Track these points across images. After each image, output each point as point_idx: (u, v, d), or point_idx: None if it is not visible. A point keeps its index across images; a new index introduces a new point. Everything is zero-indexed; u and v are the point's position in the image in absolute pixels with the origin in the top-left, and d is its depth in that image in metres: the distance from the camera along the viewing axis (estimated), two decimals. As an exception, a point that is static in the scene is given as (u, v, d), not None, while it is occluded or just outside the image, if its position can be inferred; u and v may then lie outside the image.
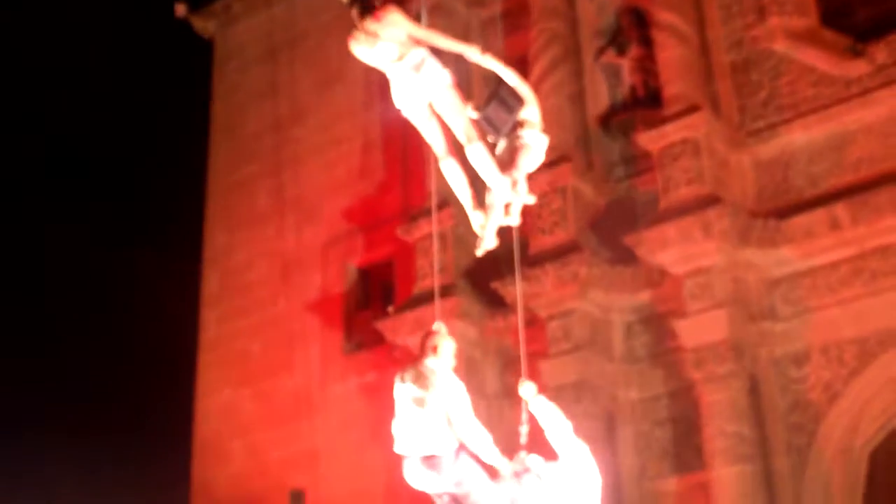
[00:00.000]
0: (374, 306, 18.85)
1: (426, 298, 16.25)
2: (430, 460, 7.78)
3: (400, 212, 18.26)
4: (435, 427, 7.82)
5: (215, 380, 20.07)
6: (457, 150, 8.09)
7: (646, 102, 16.64)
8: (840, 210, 14.41)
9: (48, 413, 21.91)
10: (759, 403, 14.34)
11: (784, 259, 14.75)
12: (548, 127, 16.20)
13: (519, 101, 8.15)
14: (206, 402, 20.00)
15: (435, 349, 8.16)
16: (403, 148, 18.92)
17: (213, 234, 21.61)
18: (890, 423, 14.20)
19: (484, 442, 7.90)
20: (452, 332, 15.78)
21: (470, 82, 8.36)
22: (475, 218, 8.24)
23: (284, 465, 18.20)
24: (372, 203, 19.37)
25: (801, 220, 14.63)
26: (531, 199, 8.28)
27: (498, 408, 15.96)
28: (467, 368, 16.18)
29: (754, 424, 14.11)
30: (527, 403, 8.02)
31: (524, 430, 7.83)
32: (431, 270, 16.39)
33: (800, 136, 15.36)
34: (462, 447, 7.79)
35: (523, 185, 8.13)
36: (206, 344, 20.54)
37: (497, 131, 8.01)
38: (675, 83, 15.80)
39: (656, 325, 15.39)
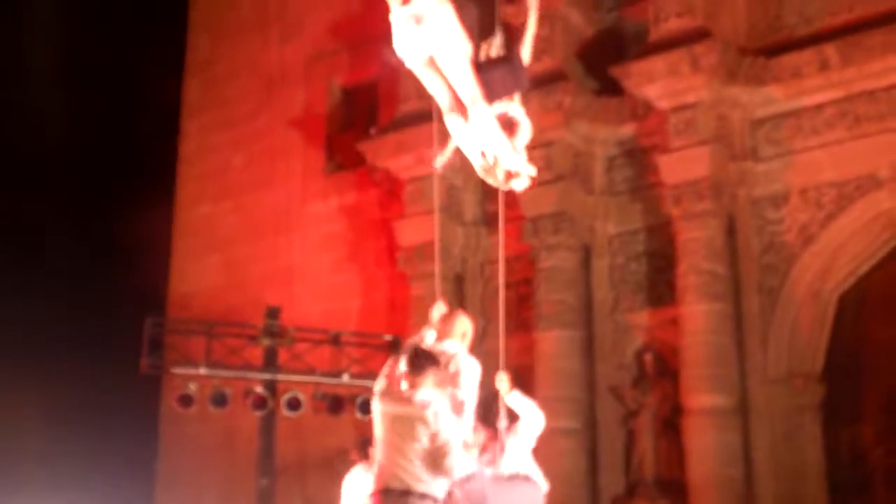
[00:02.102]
0: (356, 127, 18.68)
1: (409, 121, 16.15)
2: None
3: (388, 31, 17.89)
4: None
5: (195, 193, 20.04)
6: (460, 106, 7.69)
7: (641, -74, 16.18)
8: (830, 50, 14.22)
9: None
10: (735, 243, 14.43)
11: (770, 98, 14.63)
12: (540, -51, 16.06)
13: (525, 80, 7.80)
14: (185, 216, 20.01)
15: (464, 335, 7.84)
16: (394, -38, 18.45)
17: (196, 43, 21.26)
18: (861, 268, 14.35)
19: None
20: (435, 157, 15.90)
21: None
22: (483, 170, 7.89)
23: (261, 280, 18.35)
24: (359, 20, 18.99)
25: (789, 59, 14.46)
26: (533, 171, 7.99)
27: (476, 235, 16.11)
28: (448, 195, 16.21)
29: (728, 263, 14.23)
30: (503, 398, 7.84)
31: (502, 425, 7.75)
32: (416, 93, 16.16)
33: (796, -29, 15.05)
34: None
35: (524, 154, 7.84)
36: (186, 156, 20.44)
37: (490, 96, 7.55)
38: None
39: (638, 159, 15.36)
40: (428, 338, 7.79)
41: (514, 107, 7.72)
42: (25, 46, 22.72)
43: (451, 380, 7.52)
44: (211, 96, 20.48)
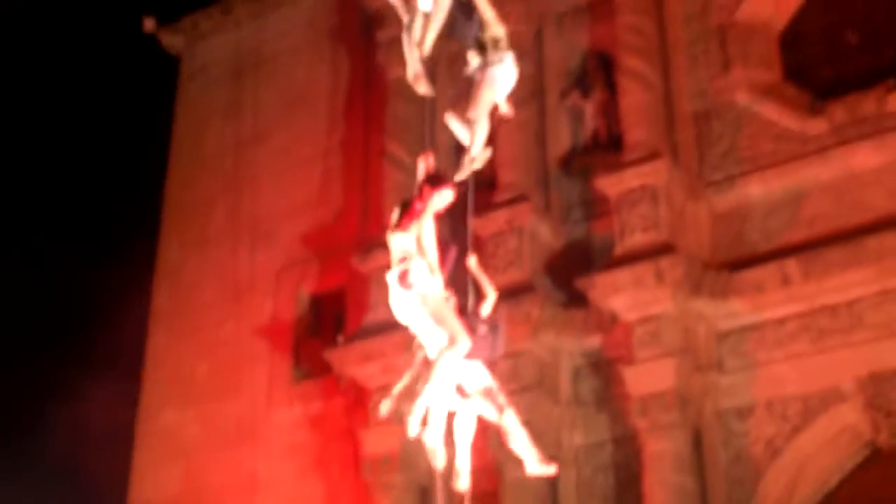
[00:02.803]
0: (324, 334, 18.68)
1: (376, 330, 16.18)
2: None
3: (356, 241, 18.14)
4: None
5: (159, 399, 19.80)
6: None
7: (607, 146, 16.67)
8: (791, 266, 14.51)
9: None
10: (702, 455, 14.37)
11: (734, 311, 14.82)
12: (509, 166, 16.46)
13: (501, 349, 8.88)
14: (147, 422, 19.72)
15: None
16: (363, 176, 18.85)
17: (167, 250, 21.40)
18: (827, 483, 14.28)
19: None
20: (402, 366, 15.87)
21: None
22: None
23: (224, 490, 17.97)
24: (329, 230, 19.25)
25: (752, 274, 14.72)
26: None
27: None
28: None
29: (696, 476, 14.14)
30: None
31: None
32: (383, 301, 16.21)
33: (757, 190, 15.48)
34: None
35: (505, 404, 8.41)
36: (152, 361, 20.29)
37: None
38: (637, 129, 15.89)
39: (604, 371, 15.38)
40: None
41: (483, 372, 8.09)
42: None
43: None
44: (179, 303, 20.48)
